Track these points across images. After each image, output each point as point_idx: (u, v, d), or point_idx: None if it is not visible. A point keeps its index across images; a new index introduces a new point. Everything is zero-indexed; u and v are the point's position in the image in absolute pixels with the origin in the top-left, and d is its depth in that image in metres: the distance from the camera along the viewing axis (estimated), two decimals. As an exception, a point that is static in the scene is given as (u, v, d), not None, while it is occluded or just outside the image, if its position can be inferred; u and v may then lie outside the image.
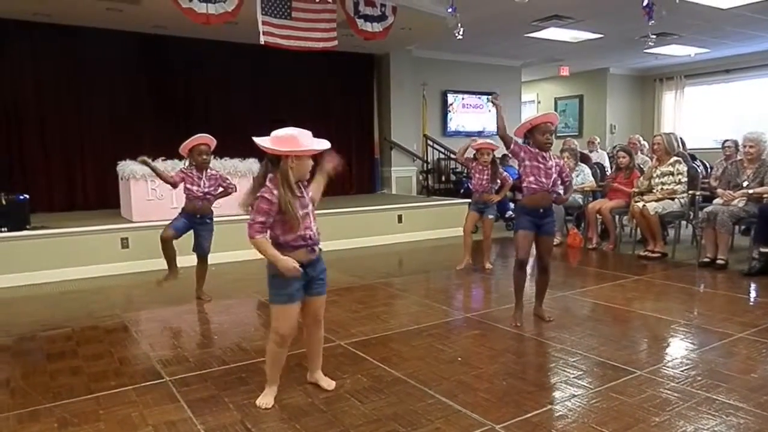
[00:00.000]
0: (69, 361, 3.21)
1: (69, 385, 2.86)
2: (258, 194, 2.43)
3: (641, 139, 8.66)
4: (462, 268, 5.51)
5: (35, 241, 5.34)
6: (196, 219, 4.35)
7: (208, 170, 4.35)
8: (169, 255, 4.44)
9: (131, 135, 7.58)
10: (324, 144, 2.48)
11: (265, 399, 2.60)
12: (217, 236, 4.87)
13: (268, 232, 2.46)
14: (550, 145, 3.56)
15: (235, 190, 4.44)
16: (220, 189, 4.39)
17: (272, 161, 2.44)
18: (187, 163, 4.39)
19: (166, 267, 4.48)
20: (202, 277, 4.58)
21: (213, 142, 4.34)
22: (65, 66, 7.41)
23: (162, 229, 4.40)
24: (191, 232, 4.41)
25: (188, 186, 4.31)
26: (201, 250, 4.45)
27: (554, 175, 3.58)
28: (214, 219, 4.48)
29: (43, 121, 7.35)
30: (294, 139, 2.40)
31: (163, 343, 3.56)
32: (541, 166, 3.55)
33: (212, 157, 4.38)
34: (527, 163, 3.57)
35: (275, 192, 2.39)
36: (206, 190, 4.32)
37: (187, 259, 4.54)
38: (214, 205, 4.44)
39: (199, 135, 4.29)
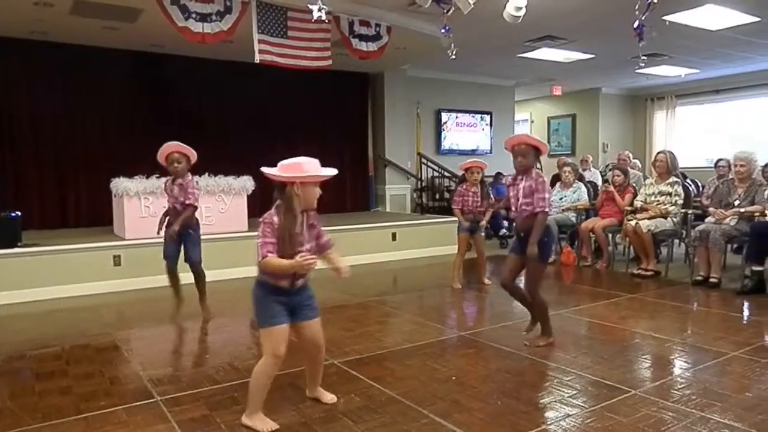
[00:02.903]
0: (58, 381, 3.17)
1: (58, 406, 2.81)
2: (260, 219, 2.43)
3: (631, 156, 8.78)
4: (460, 287, 5.48)
5: (26, 259, 5.29)
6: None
7: (180, 179, 4.31)
8: (173, 284, 4.45)
9: (125, 152, 7.57)
10: (330, 171, 2.48)
11: (267, 424, 2.49)
12: (210, 254, 4.86)
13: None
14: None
15: (192, 207, 4.30)
16: (181, 198, 4.31)
17: (279, 189, 2.44)
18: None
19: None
20: (200, 290, 4.53)
21: (186, 150, 4.31)
22: (60, 83, 7.42)
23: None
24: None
25: (167, 199, 4.36)
26: (188, 260, 4.40)
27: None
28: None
29: (37, 139, 7.34)
30: (298, 166, 2.41)
31: (155, 362, 3.52)
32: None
33: (185, 166, 4.30)
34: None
35: (275, 219, 2.40)
36: (176, 202, 4.31)
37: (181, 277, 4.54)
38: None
39: (170, 143, 4.30)
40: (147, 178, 6.03)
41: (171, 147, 4.30)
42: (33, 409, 2.78)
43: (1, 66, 7.03)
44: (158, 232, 4.42)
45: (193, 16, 5.55)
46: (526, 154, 3.48)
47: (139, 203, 6.00)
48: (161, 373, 3.27)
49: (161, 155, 4.31)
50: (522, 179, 3.53)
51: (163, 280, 4.53)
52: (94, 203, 7.52)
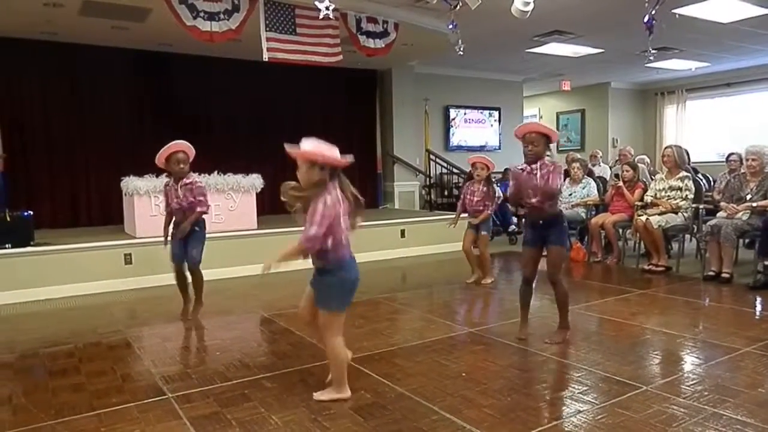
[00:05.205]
0: (71, 378, 3.20)
1: (71, 402, 2.84)
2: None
3: (632, 151, 8.70)
4: (472, 281, 5.48)
5: (39, 258, 5.34)
6: None
7: (185, 179, 4.21)
8: (180, 285, 4.41)
9: (135, 151, 7.61)
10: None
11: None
12: (219, 252, 4.89)
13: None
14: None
15: (204, 211, 4.22)
16: (191, 200, 4.20)
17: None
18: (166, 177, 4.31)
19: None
20: (196, 291, 4.43)
21: (190, 150, 4.22)
22: (70, 83, 7.48)
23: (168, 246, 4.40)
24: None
25: (169, 201, 4.28)
26: (188, 259, 4.30)
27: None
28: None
29: (48, 138, 7.40)
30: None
31: (166, 359, 3.54)
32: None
33: (188, 167, 4.22)
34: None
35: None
36: (182, 202, 4.21)
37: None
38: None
39: (173, 142, 4.18)
40: (157, 176, 6.06)
41: (177, 146, 4.15)
42: (47, 405, 2.81)
43: (11, 66, 7.10)
44: (165, 245, 4.32)
45: (201, 14, 5.57)
46: (537, 142, 3.47)
47: (150, 201, 6.04)
48: (172, 370, 3.29)
49: (163, 155, 4.14)
50: (537, 168, 3.51)
51: (174, 278, 4.55)
52: (105, 202, 7.58)
